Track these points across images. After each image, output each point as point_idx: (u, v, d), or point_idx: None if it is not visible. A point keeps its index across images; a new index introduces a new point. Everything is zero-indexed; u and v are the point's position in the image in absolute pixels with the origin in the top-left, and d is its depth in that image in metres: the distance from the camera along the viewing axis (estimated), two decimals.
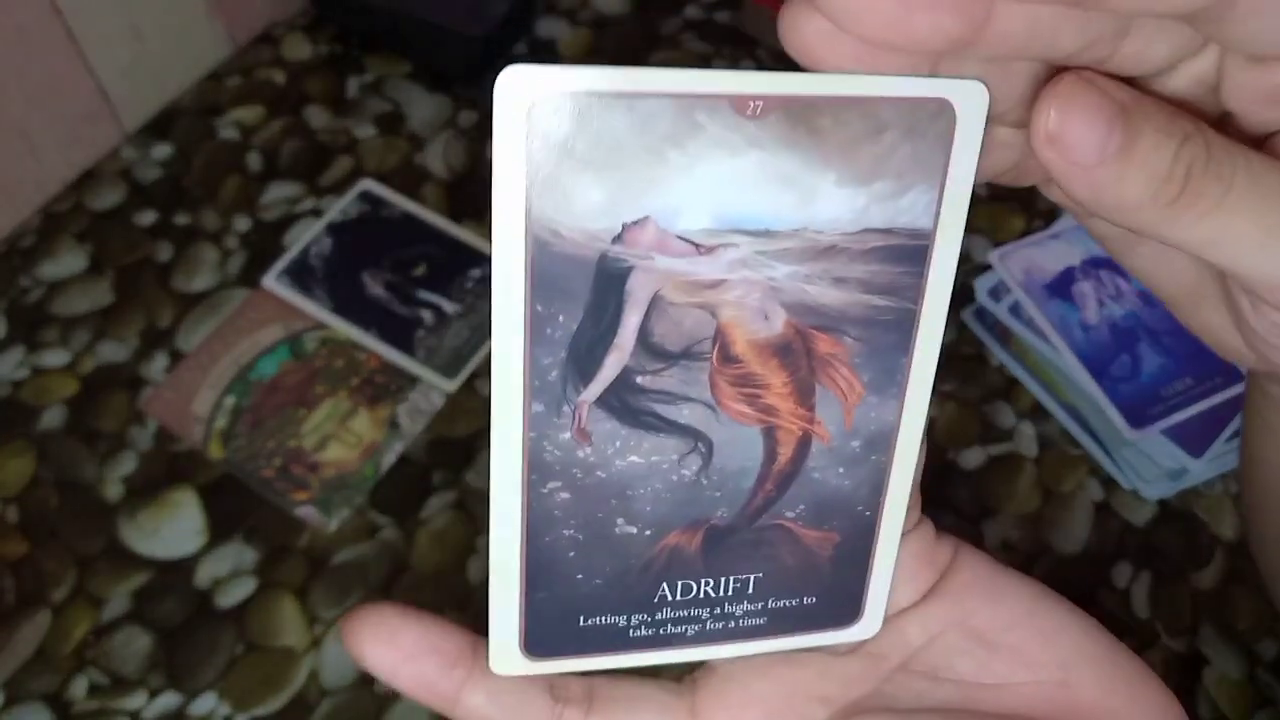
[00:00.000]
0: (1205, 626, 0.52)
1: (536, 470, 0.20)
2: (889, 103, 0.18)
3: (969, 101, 0.19)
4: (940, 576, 0.23)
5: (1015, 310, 0.57)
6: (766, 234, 0.19)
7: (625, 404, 0.20)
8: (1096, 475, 0.56)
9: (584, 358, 0.20)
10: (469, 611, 0.50)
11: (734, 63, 0.70)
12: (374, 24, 0.68)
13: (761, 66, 0.70)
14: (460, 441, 0.56)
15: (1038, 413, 0.57)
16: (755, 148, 0.18)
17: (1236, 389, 0.54)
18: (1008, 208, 0.64)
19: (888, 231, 0.19)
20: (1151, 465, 0.54)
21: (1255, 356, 0.23)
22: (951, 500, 0.54)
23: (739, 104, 0.18)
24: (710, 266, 0.19)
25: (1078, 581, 0.53)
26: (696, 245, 0.19)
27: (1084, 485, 0.56)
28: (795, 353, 0.20)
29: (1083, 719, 0.22)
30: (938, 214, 0.19)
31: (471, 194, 0.64)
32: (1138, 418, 0.53)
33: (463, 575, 0.52)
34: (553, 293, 0.19)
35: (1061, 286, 0.57)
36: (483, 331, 0.58)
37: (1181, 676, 0.51)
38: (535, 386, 0.20)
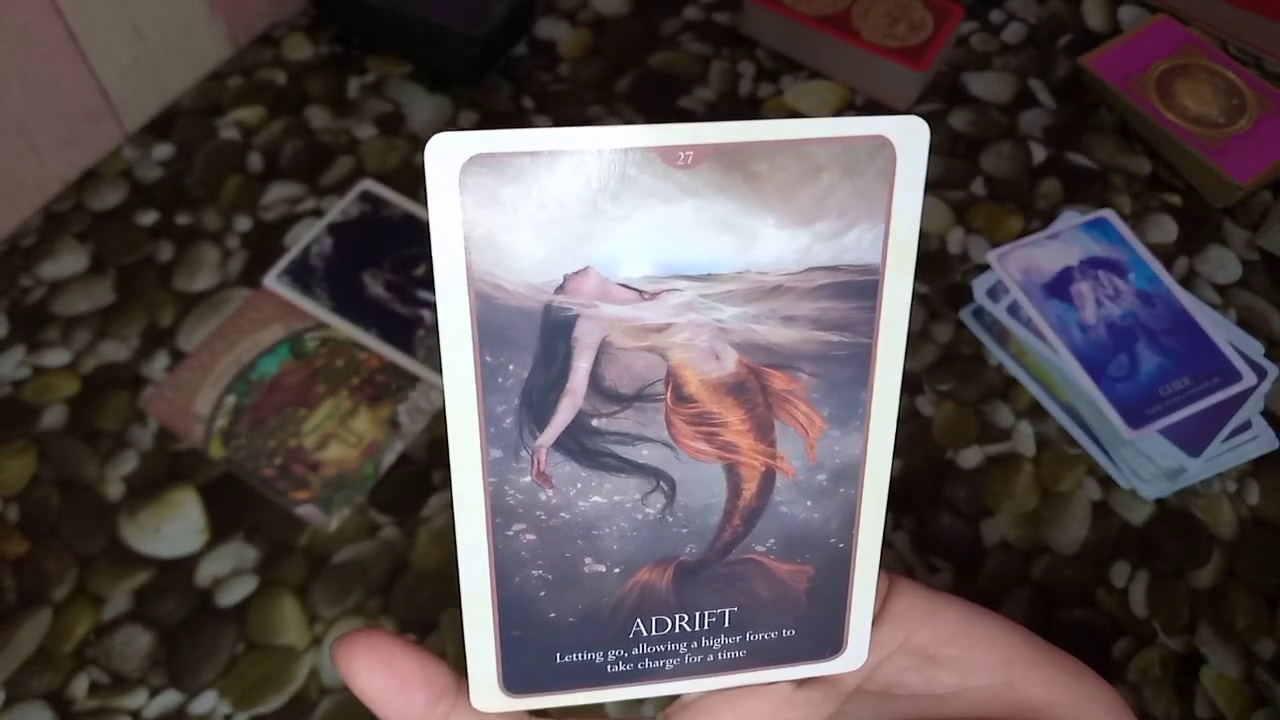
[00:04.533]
0: (1203, 626, 0.52)
1: (500, 514, 0.21)
2: (824, 143, 0.19)
3: (908, 136, 0.19)
4: (880, 605, 0.24)
5: (1013, 310, 0.57)
6: (709, 278, 0.20)
7: (583, 446, 0.21)
8: (1094, 475, 0.56)
9: (537, 404, 0.20)
10: None
11: (733, 64, 0.70)
12: (374, 24, 0.68)
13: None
14: None
15: (1036, 412, 0.58)
16: (690, 196, 0.19)
17: (1234, 389, 0.54)
18: (1005, 208, 0.64)
19: (834, 269, 0.20)
20: (1149, 465, 0.55)
21: None
22: (950, 500, 0.55)
23: (668, 155, 0.19)
24: (655, 311, 0.20)
25: (1076, 580, 0.53)
26: (640, 291, 0.19)
27: (1082, 485, 0.56)
28: (750, 390, 0.21)
29: (1034, 714, 0.23)
30: (885, 248, 0.20)
31: None
32: (1136, 417, 0.53)
33: None
34: (501, 343, 0.19)
35: (1059, 286, 0.57)
36: None
37: (1179, 675, 0.51)
38: (491, 433, 0.20)
